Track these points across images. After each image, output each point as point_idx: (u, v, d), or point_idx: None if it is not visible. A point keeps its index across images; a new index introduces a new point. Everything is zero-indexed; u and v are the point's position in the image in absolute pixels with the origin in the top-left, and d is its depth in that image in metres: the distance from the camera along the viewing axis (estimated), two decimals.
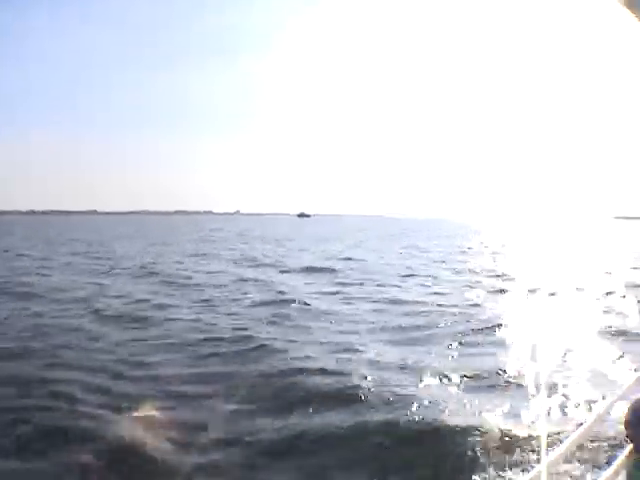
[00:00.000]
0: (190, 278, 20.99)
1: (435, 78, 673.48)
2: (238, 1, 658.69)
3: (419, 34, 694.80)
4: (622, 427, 2.09)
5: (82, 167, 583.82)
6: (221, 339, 10.67)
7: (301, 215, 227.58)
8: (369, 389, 7.26)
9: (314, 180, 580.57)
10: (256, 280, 20.18)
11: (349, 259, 30.05)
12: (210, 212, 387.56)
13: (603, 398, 5.79)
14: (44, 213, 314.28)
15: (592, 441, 4.58)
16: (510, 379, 7.80)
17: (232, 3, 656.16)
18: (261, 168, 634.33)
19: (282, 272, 23.36)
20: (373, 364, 8.67)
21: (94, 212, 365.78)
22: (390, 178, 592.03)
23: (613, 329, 11.23)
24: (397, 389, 7.30)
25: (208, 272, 23.24)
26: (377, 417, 6.35)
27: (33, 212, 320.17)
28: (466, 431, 5.80)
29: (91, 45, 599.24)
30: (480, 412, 6.44)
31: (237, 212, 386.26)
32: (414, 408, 6.53)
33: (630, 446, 2.06)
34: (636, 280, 19.29)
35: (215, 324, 12.15)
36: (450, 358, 9.28)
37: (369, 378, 7.71)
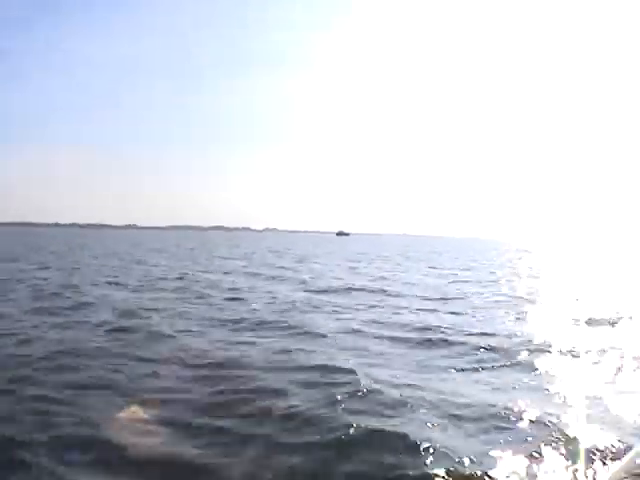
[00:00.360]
0: None
1: (464, 98, 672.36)
2: (277, 19, 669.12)
3: (455, 50, 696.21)
4: None
5: (119, 181, 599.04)
6: None
7: (340, 233, 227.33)
8: None
9: (352, 198, 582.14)
10: None
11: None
12: (248, 228, 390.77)
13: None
14: (84, 226, 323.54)
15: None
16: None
17: (271, 19, 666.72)
18: (297, 185, 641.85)
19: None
20: None
21: (134, 226, 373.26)
22: (427, 196, 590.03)
23: None
24: None
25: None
26: None
27: (75, 225, 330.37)
28: None
29: (132, 58, 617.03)
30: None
31: (274, 229, 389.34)
32: None
33: None
34: None
35: None
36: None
37: None
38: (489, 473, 4.82)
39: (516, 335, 11.26)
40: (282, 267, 31.44)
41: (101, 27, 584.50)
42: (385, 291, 19.65)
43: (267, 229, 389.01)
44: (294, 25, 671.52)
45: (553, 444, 5.39)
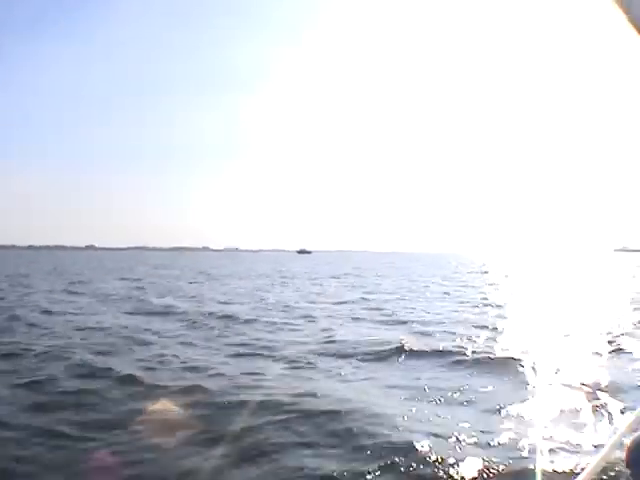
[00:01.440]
0: None
1: (429, 110, 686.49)
2: (228, 39, 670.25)
3: (409, 66, 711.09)
4: (624, 468, 2.05)
5: (77, 203, 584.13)
6: None
7: (301, 251, 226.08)
8: None
9: (312, 216, 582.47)
10: None
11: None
12: (207, 248, 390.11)
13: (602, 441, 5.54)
14: (39, 248, 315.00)
15: None
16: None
17: (222, 36, 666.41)
18: (257, 205, 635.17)
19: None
20: None
21: (92, 247, 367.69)
22: (389, 214, 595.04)
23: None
24: None
25: None
26: None
27: (32, 247, 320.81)
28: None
29: (83, 82, 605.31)
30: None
31: (236, 249, 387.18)
32: None
33: None
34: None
35: None
36: None
37: None
38: None
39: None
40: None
41: (49, 49, 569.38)
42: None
43: (227, 249, 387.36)
44: (251, 41, 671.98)
45: None
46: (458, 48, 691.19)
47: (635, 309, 19.59)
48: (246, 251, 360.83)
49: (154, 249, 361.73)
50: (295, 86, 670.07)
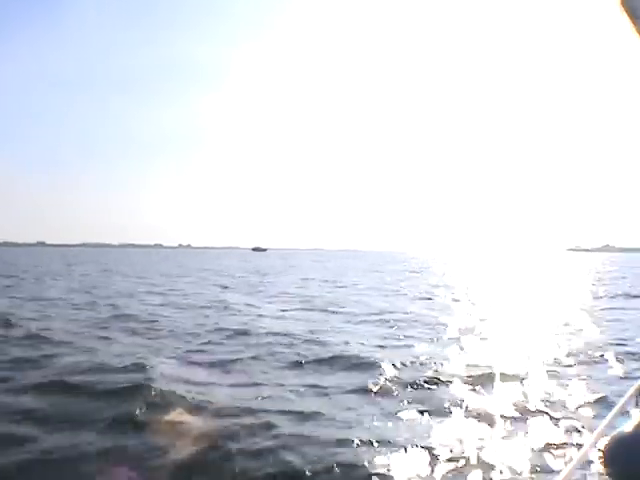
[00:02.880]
0: None
1: (385, 108, 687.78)
2: (186, 31, 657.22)
3: (368, 69, 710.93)
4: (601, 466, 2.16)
5: (26, 199, 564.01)
6: None
7: (256, 249, 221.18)
8: None
9: (269, 214, 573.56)
10: None
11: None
12: (160, 245, 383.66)
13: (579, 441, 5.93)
14: None
15: None
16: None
17: (181, 33, 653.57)
18: (213, 202, 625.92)
19: None
20: None
21: (42, 244, 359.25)
22: (345, 212, 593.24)
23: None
24: None
25: None
26: None
27: None
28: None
29: (39, 76, 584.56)
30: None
31: (188, 246, 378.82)
32: None
33: None
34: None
35: None
36: None
37: None
38: None
39: None
40: None
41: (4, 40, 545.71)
42: None
43: (181, 246, 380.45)
44: (207, 39, 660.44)
45: None
46: (428, 38, 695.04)
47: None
48: (199, 248, 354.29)
49: (106, 245, 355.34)
50: (253, 84, 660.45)
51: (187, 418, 6.60)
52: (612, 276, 44.16)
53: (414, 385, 8.33)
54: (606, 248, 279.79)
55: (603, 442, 2.07)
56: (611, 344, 11.77)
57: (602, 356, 10.54)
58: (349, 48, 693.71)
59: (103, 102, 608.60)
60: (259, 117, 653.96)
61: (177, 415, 6.70)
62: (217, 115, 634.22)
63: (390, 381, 8.46)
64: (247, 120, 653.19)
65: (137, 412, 6.71)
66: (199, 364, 9.65)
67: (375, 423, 6.56)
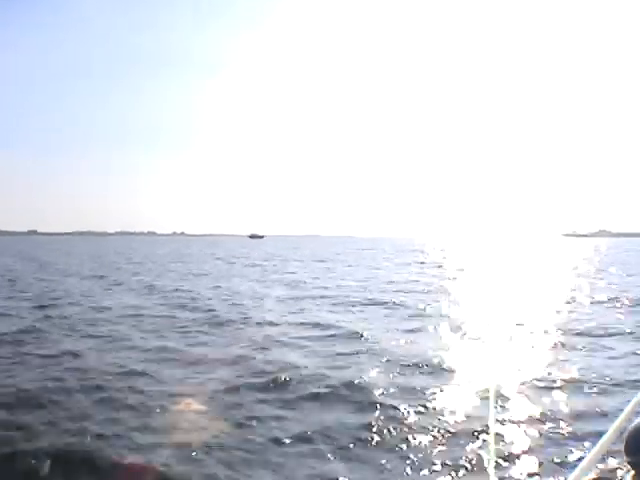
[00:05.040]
0: None
1: (381, 96, 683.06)
2: (185, 21, 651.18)
3: (361, 63, 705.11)
4: (623, 455, 2.12)
5: (21, 187, 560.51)
6: None
7: (253, 236, 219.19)
8: None
9: (266, 200, 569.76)
10: None
11: None
12: (153, 233, 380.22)
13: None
14: None
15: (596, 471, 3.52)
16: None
17: (179, 22, 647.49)
18: (205, 189, 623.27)
19: None
20: None
21: (34, 232, 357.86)
22: (341, 198, 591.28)
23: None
24: None
25: None
26: None
27: None
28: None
29: (30, 64, 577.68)
30: None
31: (182, 233, 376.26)
32: None
33: (632, 473, 2.08)
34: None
35: None
36: None
37: None
38: None
39: None
40: None
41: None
42: None
43: (175, 233, 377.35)
44: (200, 29, 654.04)
45: None
46: (427, 29, 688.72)
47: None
48: (194, 236, 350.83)
49: (101, 234, 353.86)
50: (250, 72, 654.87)
51: None
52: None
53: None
54: (601, 233, 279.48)
55: (625, 431, 2.04)
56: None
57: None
58: (347, 36, 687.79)
59: (98, 89, 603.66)
60: (255, 105, 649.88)
61: None
62: (213, 103, 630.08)
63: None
64: (243, 107, 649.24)
65: None
66: None
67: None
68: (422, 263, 38.40)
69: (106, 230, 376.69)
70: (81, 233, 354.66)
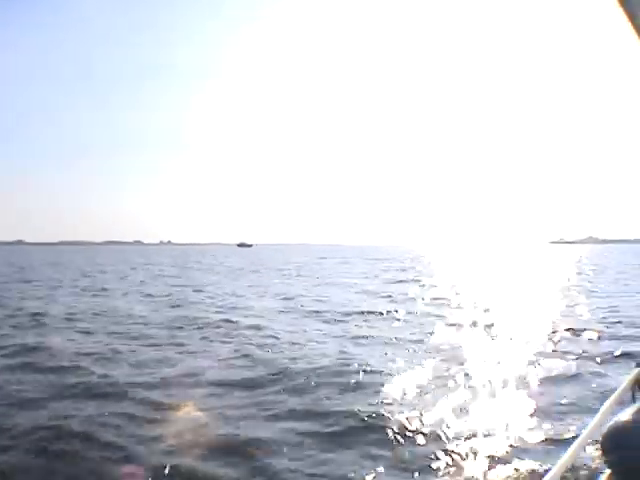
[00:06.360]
0: None
1: (375, 105, 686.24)
2: (173, 29, 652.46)
3: (347, 67, 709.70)
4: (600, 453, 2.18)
5: (8, 197, 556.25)
6: None
7: (241, 245, 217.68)
8: None
9: (255, 209, 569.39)
10: None
11: None
12: (140, 242, 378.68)
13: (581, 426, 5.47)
14: None
15: (573, 470, 4.48)
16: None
17: (168, 31, 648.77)
18: (194, 198, 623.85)
19: None
20: None
21: (21, 242, 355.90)
22: (330, 208, 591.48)
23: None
24: None
25: None
26: None
27: None
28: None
29: (20, 74, 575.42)
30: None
31: (169, 242, 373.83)
32: None
33: (608, 472, 2.19)
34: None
35: None
36: None
37: None
38: None
39: None
40: None
41: None
42: None
43: (162, 242, 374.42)
44: (193, 37, 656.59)
45: None
46: (427, 29, 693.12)
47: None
48: (181, 245, 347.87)
49: (87, 243, 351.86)
50: (238, 81, 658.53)
51: None
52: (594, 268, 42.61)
53: None
54: (589, 240, 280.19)
55: (601, 431, 2.10)
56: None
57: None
58: (340, 41, 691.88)
59: (85, 101, 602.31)
60: (246, 112, 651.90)
61: None
62: (200, 113, 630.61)
63: None
64: (231, 117, 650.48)
65: None
66: None
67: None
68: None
69: (93, 240, 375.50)
70: (67, 243, 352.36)
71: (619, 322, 13.61)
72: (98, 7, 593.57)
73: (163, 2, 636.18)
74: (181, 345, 11.15)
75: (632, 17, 1.49)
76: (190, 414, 6.66)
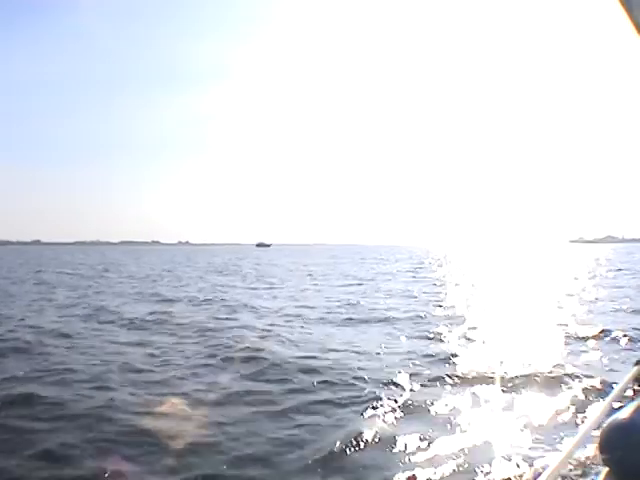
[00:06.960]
0: None
1: (389, 103, 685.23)
2: (187, 30, 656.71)
3: (374, 66, 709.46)
4: (597, 452, 2.19)
5: (25, 198, 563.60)
6: None
7: (260, 245, 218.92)
8: None
9: (274, 209, 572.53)
10: None
11: None
12: (157, 242, 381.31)
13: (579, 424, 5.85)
14: None
15: (570, 468, 4.56)
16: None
17: (182, 32, 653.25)
18: (212, 199, 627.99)
19: None
20: None
21: (38, 242, 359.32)
22: (348, 207, 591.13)
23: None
24: None
25: None
26: None
27: None
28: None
29: (39, 76, 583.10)
30: None
31: (187, 242, 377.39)
32: None
33: (605, 470, 2.14)
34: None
35: None
36: None
37: None
38: None
39: None
40: None
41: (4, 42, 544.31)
42: None
43: (180, 243, 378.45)
44: (208, 38, 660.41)
45: None
46: (427, 32, 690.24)
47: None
48: (199, 245, 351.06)
49: (104, 243, 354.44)
50: (255, 81, 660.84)
51: None
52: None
53: None
54: (608, 239, 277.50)
55: (599, 428, 2.09)
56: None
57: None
58: (350, 45, 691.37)
59: (104, 101, 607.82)
60: (261, 114, 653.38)
61: None
62: (218, 112, 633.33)
63: None
64: (249, 117, 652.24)
65: None
66: None
67: None
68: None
69: (110, 240, 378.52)
70: (84, 243, 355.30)
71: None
72: (105, 16, 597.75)
73: (175, 5, 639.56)
74: None
75: (631, 14, 1.54)
76: None
